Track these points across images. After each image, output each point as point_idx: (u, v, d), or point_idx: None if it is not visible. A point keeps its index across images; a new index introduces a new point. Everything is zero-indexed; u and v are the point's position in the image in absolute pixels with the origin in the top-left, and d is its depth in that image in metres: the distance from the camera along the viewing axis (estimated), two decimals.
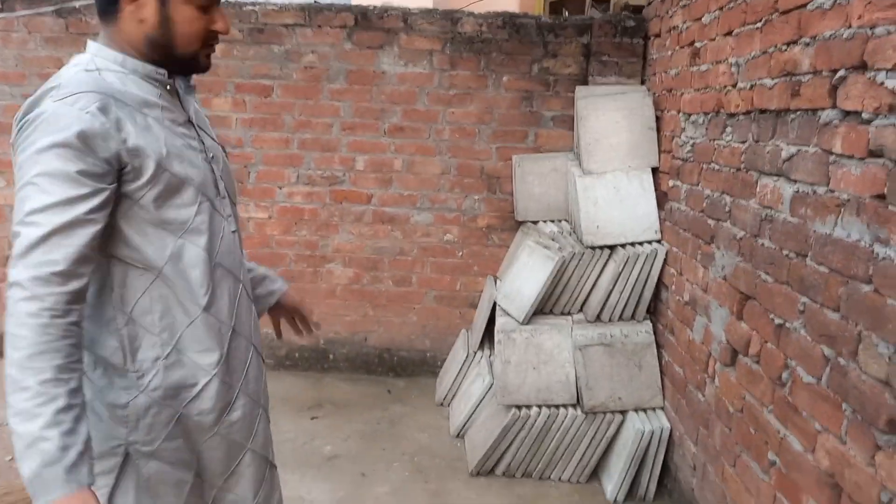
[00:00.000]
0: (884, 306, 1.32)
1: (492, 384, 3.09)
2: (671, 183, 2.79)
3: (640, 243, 2.91)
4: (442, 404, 3.48)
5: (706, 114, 2.41)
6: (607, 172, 3.02)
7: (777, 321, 1.80)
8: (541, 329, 2.91)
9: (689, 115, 2.59)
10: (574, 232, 3.18)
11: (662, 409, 2.79)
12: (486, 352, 3.38)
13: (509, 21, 3.50)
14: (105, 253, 1.17)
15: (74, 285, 1.07)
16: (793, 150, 1.75)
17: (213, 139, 1.36)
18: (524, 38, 3.49)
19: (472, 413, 3.14)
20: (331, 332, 3.80)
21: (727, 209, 2.18)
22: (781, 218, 1.80)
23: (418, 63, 3.57)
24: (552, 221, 3.42)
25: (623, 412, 2.81)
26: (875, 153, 1.37)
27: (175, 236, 1.21)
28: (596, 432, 2.80)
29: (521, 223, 3.56)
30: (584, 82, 3.46)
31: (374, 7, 3.56)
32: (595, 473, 2.86)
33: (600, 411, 2.80)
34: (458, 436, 3.16)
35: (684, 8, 2.68)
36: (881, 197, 1.35)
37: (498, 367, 2.92)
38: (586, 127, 3.10)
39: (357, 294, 3.77)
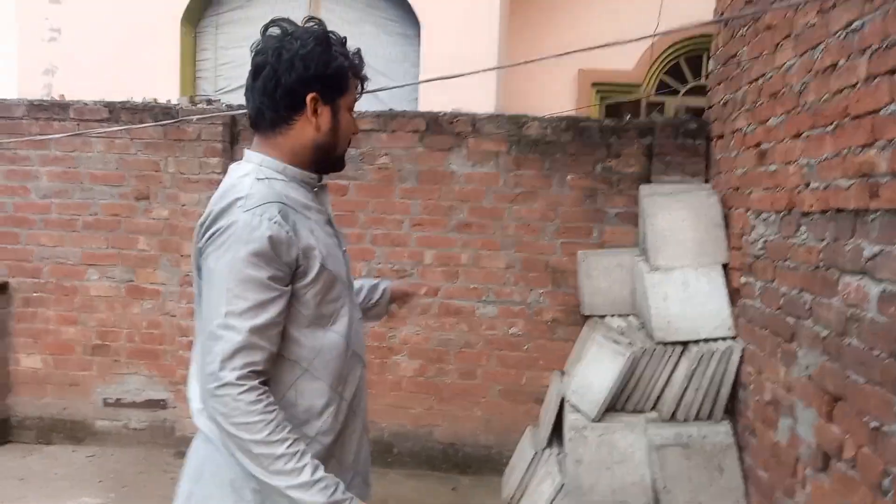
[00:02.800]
0: None
1: (562, 484, 3.00)
2: (743, 280, 2.79)
3: (715, 339, 2.87)
4: (510, 503, 3.38)
5: (778, 212, 2.44)
6: (675, 269, 3.04)
7: (873, 424, 1.74)
8: (613, 427, 2.86)
9: (760, 212, 2.62)
10: (643, 327, 3.17)
11: None
12: (555, 450, 3.30)
13: (573, 124, 3.67)
14: None
15: (268, 374, 1.24)
16: (876, 248, 1.76)
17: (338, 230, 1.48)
18: (587, 139, 3.64)
19: None
20: (395, 424, 3.80)
21: (807, 307, 2.17)
22: (869, 317, 1.78)
23: (485, 164, 3.75)
24: (619, 316, 3.42)
25: None
26: None
27: (324, 330, 1.32)
28: None
29: (586, 318, 3.57)
30: (647, 180, 3.55)
31: (445, 113, 3.80)
32: None
33: None
34: None
35: (748, 112, 2.78)
36: None
37: (570, 467, 2.86)
38: (653, 224, 3.16)
39: (422, 386, 3.80)
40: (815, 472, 2.07)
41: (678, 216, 3.12)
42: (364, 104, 1.83)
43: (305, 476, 1.19)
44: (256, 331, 1.20)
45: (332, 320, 1.33)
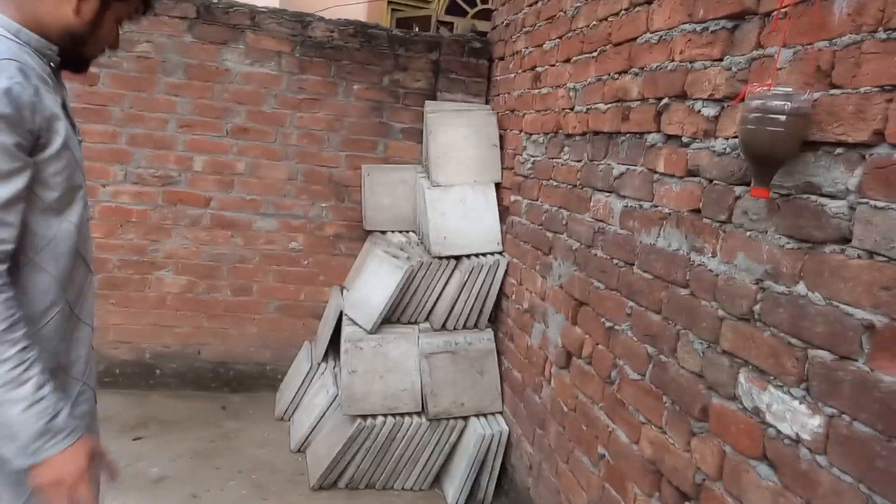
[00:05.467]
0: (698, 307, 1.49)
1: (336, 395, 3.02)
2: (513, 198, 2.95)
3: (485, 254, 3.03)
4: (282, 419, 3.33)
5: (546, 134, 2.59)
6: (455, 186, 3.12)
7: (607, 324, 1.96)
8: (388, 338, 2.91)
9: (531, 134, 2.76)
10: (422, 242, 3.24)
11: (502, 413, 2.91)
12: (331, 363, 3.30)
13: (361, 30, 3.51)
14: None
15: (9, 261, 1.08)
16: (623, 168, 1.93)
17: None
18: (375, 48, 3.51)
19: (315, 426, 3.05)
20: (159, 344, 3.50)
21: (564, 222, 2.35)
22: (612, 230, 1.97)
23: (266, 63, 3.44)
24: (400, 232, 3.45)
25: (465, 418, 2.89)
26: (692, 172, 1.56)
27: (59, 218, 1.17)
28: (440, 439, 2.85)
29: (368, 233, 3.55)
30: (433, 97, 3.55)
31: (219, 0, 3.39)
32: (437, 479, 2.90)
33: (444, 418, 2.85)
34: (299, 450, 3.04)
35: (527, 35, 2.87)
36: (697, 211, 1.53)
37: (344, 377, 2.87)
38: (435, 140, 3.18)
39: (190, 303, 3.52)
40: (559, 369, 2.30)
41: (459, 134, 3.18)
42: None
43: (27, 390, 1.06)
44: (4, 205, 1.05)
45: (69, 209, 1.19)
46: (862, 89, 1.07)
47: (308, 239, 3.61)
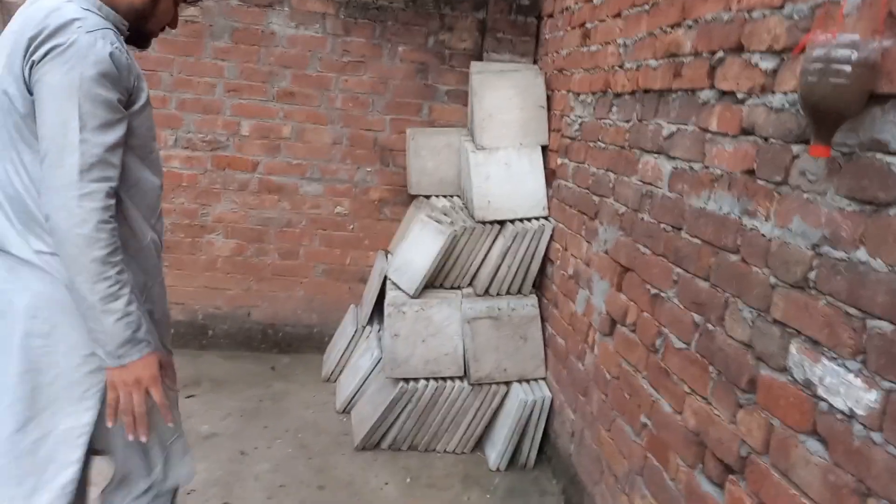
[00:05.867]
0: (749, 274, 1.41)
1: (380, 358, 3.05)
2: (559, 161, 2.87)
3: (529, 219, 2.97)
4: (329, 380, 3.40)
5: (594, 93, 2.48)
6: (500, 149, 3.05)
7: (653, 291, 1.89)
8: (431, 302, 2.91)
9: (579, 94, 2.66)
10: (466, 207, 3.20)
11: (545, 379, 2.89)
12: (376, 327, 3.33)
13: None
14: None
15: (115, 197, 1.31)
16: (673, 128, 1.83)
17: None
18: (420, 8, 3.44)
19: (360, 388, 3.10)
20: (210, 306, 3.60)
21: (611, 185, 2.27)
22: (660, 193, 1.89)
23: (310, 26, 3.42)
24: (445, 196, 3.42)
25: (508, 383, 2.87)
26: (747, 131, 1.46)
27: (142, 162, 1.42)
28: (481, 403, 2.85)
29: (413, 197, 3.53)
30: (479, 58, 3.46)
31: None
32: (479, 443, 2.91)
33: (486, 383, 2.85)
34: (344, 411, 3.10)
35: None
36: (751, 172, 1.44)
37: (387, 341, 2.89)
38: (480, 103, 3.11)
39: (240, 266, 3.60)
40: (603, 336, 2.25)
41: (505, 95, 3.10)
42: None
43: (120, 305, 1.28)
44: (109, 148, 1.28)
45: (150, 155, 1.44)
46: None
47: (353, 203, 3.63)
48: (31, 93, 1.26)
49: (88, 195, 1.24)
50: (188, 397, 3.09)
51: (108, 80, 1.26)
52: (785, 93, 1.32)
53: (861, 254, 1.09)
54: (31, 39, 1.24)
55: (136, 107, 1.35)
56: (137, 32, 1.44)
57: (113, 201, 1.28)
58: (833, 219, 1.16)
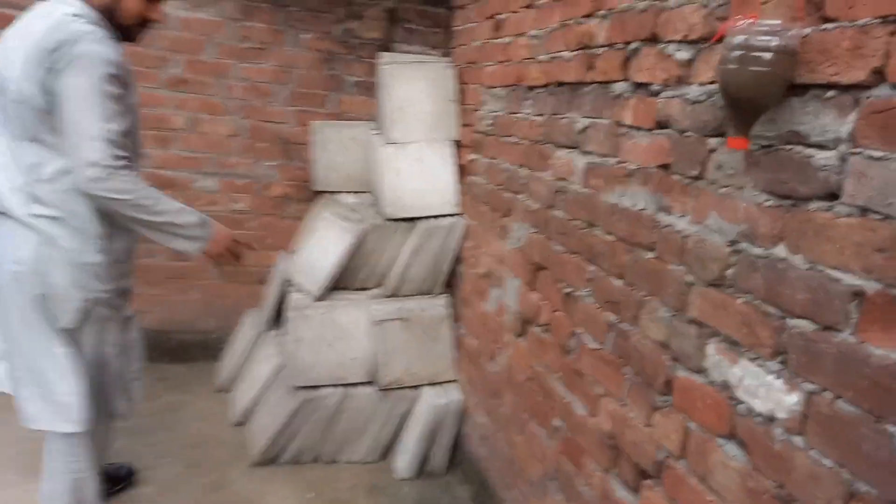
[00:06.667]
0: (665, 272, 1.37)
1: (280, 366, 2.85)
2: (471, 157, 2.78)
3: (441, 217, 2.87)
4: (225, 390, 3.16)
5: (507, 87, 2.41)
6: (411, 143, 2.93)
7: (566, 290, 1.83)
8: (337, 305, 2.75)
9: (491, 88, 2.59)
10: (376, 204, 3.05)
11: (456, 381, 2.80)
12: (278, 331, 3.13)
13: None
14: None
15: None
16: (587, 122, 1.78)
17: None
18: None
19: (258, 398, 2.89)
20: None
21: (524, 182, 2.20)
22: (574, 189, 1.83)
23: (206, 8, 3.16)
24: (353, 193, 3.26)
25: (418, 387, 2.76)
26: (662, 124, 1.42)
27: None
28: (391, 409, 2.72)
29: (319, 194, 3.35)
30: (389, 49, 3.33)
31: None
32: (388, 451, 2.78)
33: (395, 387, 2.72)
34: (240, 423, 2.88)
35: None
36: (666, 166, 1.39)
37: (290, 346, 2.70)
38: (390, 95, 2.98)
39: None
40: (516, 336, 2.18)
41: (416, 88, 2.98)
42: None
43: (178, 205, 1.84)
44: (119, 133, 1.69)
45: (134, 136, 1.86)
46: (860, 22, 0.93)
47: (253, 200, 3.40)
48: (48, 93, 1.64)
49: (117, 169, 1.66)
50: None
51: (115, 81, 1.66)
52: (701, 84, 1.28)
53: (780, 250, 1.05)
54: (50, 51, 1.62)
55: (127, 94, 1.75)
56: (118, 27, 1.76)
57: (135, 173, 1.78)
58: (751, 214, 1.12)
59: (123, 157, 1.68)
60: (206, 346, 3.44)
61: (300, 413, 2.62)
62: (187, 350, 3.42)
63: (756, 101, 1.04)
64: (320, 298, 2.75)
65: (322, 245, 2.86)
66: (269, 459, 2.63)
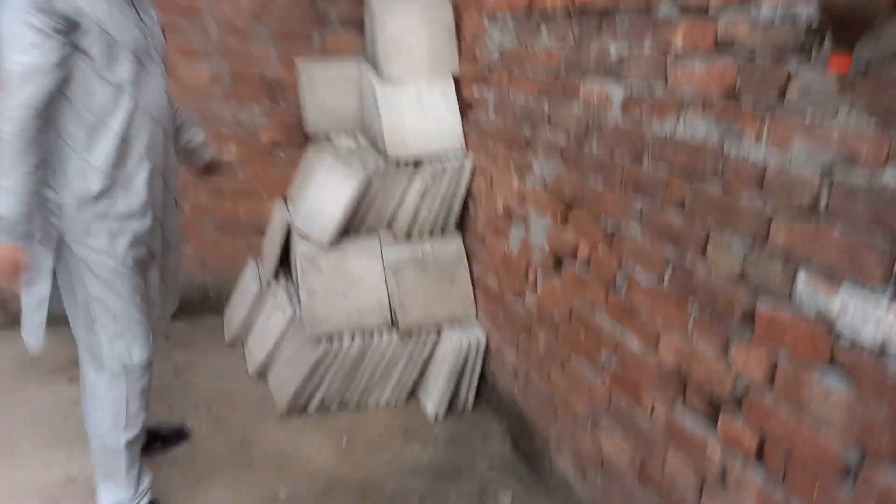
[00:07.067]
0: (735, 203, 1.34)
1: (293, 316, 2.79)
2: (476, 91, 2.67)
3: (447, 156, 2.78)
4: (234, 344, 3.10)
5: (515, 14, 2.29)
6: (409, 80, 2.80)
7: (609, 227, 1.80)
8: (348, 254, 2.68)
9: (495, 15, 2.46)
10: (374, 146, 2.94)
11: (477, 320, 2.79)
12: (283, 282, 3.05)
13: None
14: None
15: (44, 117, 1.61)
16: (623, 49, 1.70)
17: (152, 19, 1.82)
18: None
19: (274, 349, 2.84)
20: None
21: (545, 116, 2.12)
22: (612, 121, 1.77)
23: None
24: (347, 134, 3.13)
25: (438, 329, 2.75)
26: (723, 49, 1.35)
27: (107, 85, 1.68)
28: (412, 352, 2.71)
29: (311, 138, 3.20)
30: None
31: None
32: (413, 393, 2.79)
33: (416, 331, 2.70)
34: (259, 376, 2.84)
35: None
36: (731, 93, 1.34)
37: (303, 299, 2.63)
38: (383, 30, 2.81)
39: None
40: (547, 275, 2.16)
41: (409, 22, 2.82)
42: None
43: (18, 205, 1.60)
44: (39, 69, 1.56)
45: (117, 78, 1.68)
46: None
47: (242, 148, 3.24)
48: None
49: (19, 107, 1.56)
50: (73, 382, 2.68)
51: (38, 10, 1.53)
52: (773, 3, 1.21)
53: (888, 176, 1.02)
54: None
55: (80, 33, 1.60)
56: None
57: (39, 119, 1.58)
58: (849, 140, 1.09)
59: (38, 104, 1.57)
60: (206, 300, 3.35)
61: (322, 363, 2.58)
62: (186, 306, 3.30)
63: (863, 16, 0.99)
64: (330, 248, 2.67)
65: (325, 192, 2.76)
66: (297, 411, 2.61)
